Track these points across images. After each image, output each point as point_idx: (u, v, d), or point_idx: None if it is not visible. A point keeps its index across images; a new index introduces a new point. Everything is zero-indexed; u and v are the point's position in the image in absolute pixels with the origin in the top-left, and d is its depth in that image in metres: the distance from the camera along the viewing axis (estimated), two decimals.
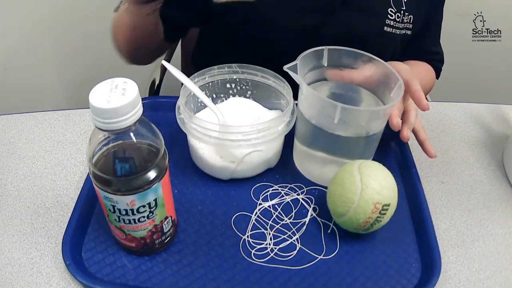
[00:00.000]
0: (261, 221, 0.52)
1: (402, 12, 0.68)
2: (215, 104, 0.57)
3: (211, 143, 0.51)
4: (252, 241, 0.50)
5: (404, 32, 0.70)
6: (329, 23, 0.67)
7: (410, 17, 0.69)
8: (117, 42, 0.74)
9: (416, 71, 0.58)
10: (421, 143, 0.58)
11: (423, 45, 0.78)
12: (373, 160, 0.56)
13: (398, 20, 0.68)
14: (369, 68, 0.55)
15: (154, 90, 0.97)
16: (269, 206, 0.54)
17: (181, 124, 0.53)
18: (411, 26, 0.70)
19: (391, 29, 0.68)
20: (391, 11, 0.67)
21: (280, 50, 0.65)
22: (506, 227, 0.54)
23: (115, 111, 0.35)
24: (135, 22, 0.67)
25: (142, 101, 0.38)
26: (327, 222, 0.52)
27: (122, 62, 0.77)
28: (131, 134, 0.38)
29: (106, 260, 0.47)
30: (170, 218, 0.46)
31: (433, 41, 0.81)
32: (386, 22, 0.68)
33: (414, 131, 0.58)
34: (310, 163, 0.57)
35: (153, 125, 0.40)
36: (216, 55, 0.74)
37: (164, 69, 0.97)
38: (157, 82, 0.96)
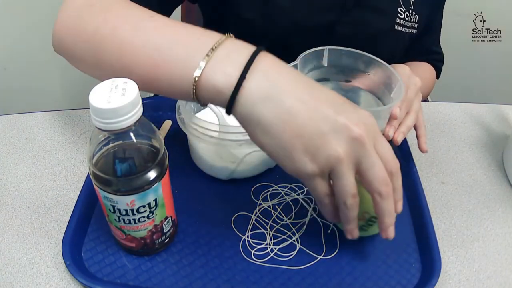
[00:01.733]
0: (261, 221, 0.52)
1: (410, 11, 0.69)
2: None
3: (211, 143, 0.51)
4: (252, 241, 0.50)
5: (411, 31, 0.71)
6: (343, 21, 0.67)
7: (416, 17, 0.70)
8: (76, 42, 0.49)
9: (418, 73, 0.59)
10: (417, 138, 0.59)
11: (425, 44, 0.79)
12: None
13: (407, 19, 0.70)
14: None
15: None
16: (269, 206, 0.54)
17: (181, 124, 0.53)
18: (416, 25, 0.71)
19: (401, 27, 0.70)
20: (400, 10, 0.69)
21: (293, 47, 0.64)
22: (506, 227, 0.54)
23: (115, 111, 0.35)
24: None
25: (142, 101, 0.38)
26: (327, 222, 0.52)
27: None
28: (131, 134, 0.38)
29: (106, 260, 0.47)
30: (170, 218, 0.46)
31: (434, 41, 0.81)
32: (397, 21, 0.69)
33: (414, 126, 0.59)
34: None
35: (153, 125, 0.40)
36: None
37: None
38: None
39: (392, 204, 0.41)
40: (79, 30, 0.46)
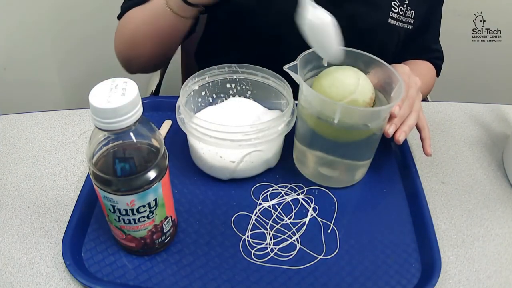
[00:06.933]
0: (261, 221, 0.52)
1: (405, 5, 0.69)
2: (215, 104, 0.57)
3: (211, 143, 0.51)
4: (252, 241, 0.50)
5: (406, 26, 0.71)
6: (335, 15, 0.67)
7: (412, 12, 0.70)
8: (125, 47, 0.71)
9: (418, 72, 0.58)
10: (421, 140, 0.59)
11: (424, 42, 0.79)
12: (373, 160, 0.57)
13: (401, 13, 0.69)
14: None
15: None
16: (269, 206, 0.54)
17: (181, 124, 0.53)
18: (412, 21, 0.71)
19: (395, 21, 0.69)
20: (394, 4, 0.69)
21: (287, 43, 0.64)
22: (506, 227, 0.54)
23: (115, 111, 0.35)
24: (165, 25, 0.66)
25: (142, 101, 0.38)
26: (327, 222, 0.52)
27: None
28: (131, 134, 0.38)
29: (106, 260, 0.47)
30: (170, 218, 0.46)
31: (433, 38, 0.81)
32: (390, 15, 0.69)
33: (418, 128, 0.59)
34: (310, 163, 0.57)
35: (153, 125, 0.40)
36: (222, 52, 0.73)
37: (163, 69, 0.97)
38: (156, 82, 0.96)
39: None
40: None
